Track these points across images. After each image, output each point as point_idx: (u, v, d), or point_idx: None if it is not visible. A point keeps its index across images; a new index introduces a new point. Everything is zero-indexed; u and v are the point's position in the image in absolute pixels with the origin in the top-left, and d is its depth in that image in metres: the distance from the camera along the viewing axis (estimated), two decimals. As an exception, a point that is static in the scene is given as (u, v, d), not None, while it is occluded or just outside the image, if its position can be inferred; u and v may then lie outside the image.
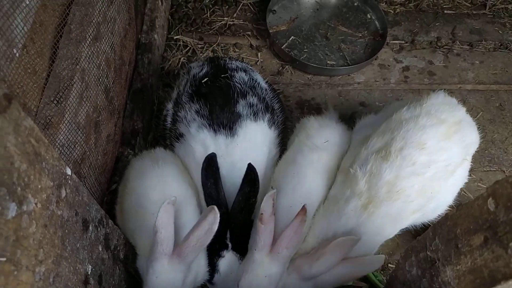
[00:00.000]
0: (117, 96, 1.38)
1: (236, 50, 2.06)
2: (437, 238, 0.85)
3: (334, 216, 1.17)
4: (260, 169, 1.29)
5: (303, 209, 1.09)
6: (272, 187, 1.24)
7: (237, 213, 1.15)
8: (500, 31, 2.17)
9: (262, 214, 1.10)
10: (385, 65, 2.04)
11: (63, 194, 0.78)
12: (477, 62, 2.07)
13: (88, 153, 1.16)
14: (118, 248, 1.14)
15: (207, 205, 1.17)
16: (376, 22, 2.15)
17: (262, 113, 1.33)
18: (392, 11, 2.23)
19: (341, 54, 2.04)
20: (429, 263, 0.89)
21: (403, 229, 1.29)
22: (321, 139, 1.31)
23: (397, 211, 1.15)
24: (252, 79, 1.39)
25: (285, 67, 2.01)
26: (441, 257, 0.83)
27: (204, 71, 1.39)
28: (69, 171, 0.81)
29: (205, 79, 1.34)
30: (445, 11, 2.25)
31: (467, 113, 1.37)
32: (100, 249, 1.00)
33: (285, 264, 1.13)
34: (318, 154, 1.28)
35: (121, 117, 1.45)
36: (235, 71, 1.38)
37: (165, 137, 1.43)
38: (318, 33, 2.11)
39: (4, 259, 0.59)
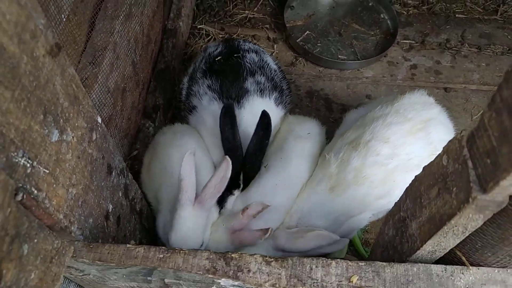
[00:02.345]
0: (143, 70, 1.56)
1: (254, 41, 2.21)
2: (407, 199, 0.98)
3: (307, 193, 1.33)
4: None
5: (266, 229, 1.23)
6: (264, 166, 1.40)
7: (251, 154, 1.31)
8: (509, 36, 2.26)
9: (247, 208, 1.24)
10: (394, 62, 2.16)
11: (94, 137, 0.95)
12: (483, 64, 2.16)
13: (114, 116, 1.33)
14: (135, 200, 1.30)
15: (224, 148, 1.33)
16: (388, 22, 2.27)
17: (269, 91, 1.47)
18: (405, 13, 2.34)
19: (352, 50, 2.17)
20: (401, 222, 1.01)
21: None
22: (303, 131, 1.47)
23: (362, 195, 1.30)
24: (262, 60, 1.54)
25: (299, 59, 2.15)
26: (409, 214, 0.96)
27: (218, 50, 1.55)
28: (99, 120, 0.97)
29: (219, 57, 1.49)
30: (457, 15, 2.34)
31: (442, 111, 1.47)
32: (120, 195, 1.17)
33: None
34: (301, 143, 1.44)
35: (145, 89, 1.62)
36: (247, 52, 1.53)
37: (180, 108, 1.59)
38: (332, 29, 2.24)
39: (47, 171, 0.75)
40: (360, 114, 1.56)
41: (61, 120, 0.79)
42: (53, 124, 0.76)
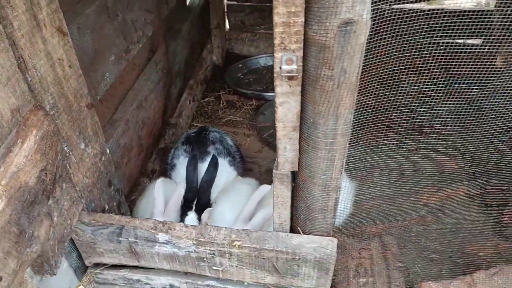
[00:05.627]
0: (145, 141, 2.38)
1: (234, 136, 3.05)
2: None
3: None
4: (218, 185, 2.15)
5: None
6: (214, 202, 2.09)
7: (204, 182, 1.98)
8: None
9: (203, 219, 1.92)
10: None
11: (103, 158, 1.71)
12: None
13: (121, 164, 2.11)
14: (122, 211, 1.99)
15: (186, 181, 2.01)
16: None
17: (224, 155, 2.24)
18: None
19: (304, 143, 2.95)
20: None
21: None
22: (245, 181, 2.19)
23: None
24: (222, 137, 2.34)
25: (264, 148, 2.94)
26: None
27: (194, 131, 2.38)
28: (108, 150, 1.75)
29: (193, 134, 2.31)
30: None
31: None
32: (114, 205, 1.87)
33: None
34: (242, 185, 2.13)
35: (146, 156, 2.42)
36: (212, 132, 2.35)
37: (166, 169, 2.37)
38: (292, 129, 3.07)
39: (76, 160, 1.50)
40: None
41: (87, 140, 1.57)
42: (82, 140, 1.54)
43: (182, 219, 1.99)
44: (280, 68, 1.09)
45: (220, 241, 1.50)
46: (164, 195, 1.90)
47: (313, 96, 1.14)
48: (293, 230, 1.57)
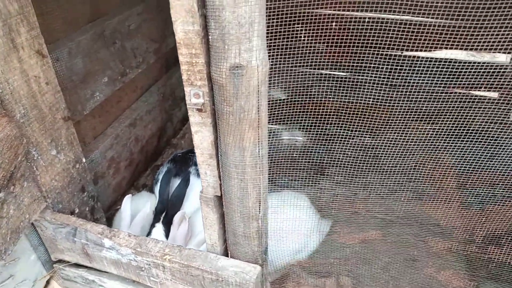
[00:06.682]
0: (136, 157, 2.60)
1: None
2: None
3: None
4: (193, 204, 2.29)
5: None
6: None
7: (174, 197, 2.12)
8: None
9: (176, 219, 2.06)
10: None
11: (77, 166, 1.92)
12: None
13: (106, 175, 2.33)
14: (98, 222, 2.18)
15: (158, 194, 2.17)
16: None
17: None
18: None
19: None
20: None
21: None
22: None
23: None
24: (204, 160, 2.49)
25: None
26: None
27: (182, 151, 2.56)
28: (84, 160, 1.96)
29: (179, 154, 2.49)
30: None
31: None
32: (87, 210, 2.06)
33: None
34: None
35: (132, 167, 2.62)
36: None
37: (153, 184, 2.56)
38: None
39: (44, 164, 1.72)
40: None
41: (59, 147, 1.79)
42: (54, 147, 1.76)
43: (150, 230, 2.15)
44: (190, 100, 1.23)
45: (154, 253, 1.62)
46: (131, 210, 2.07)
47: (221, 128, 1.26)
48: (227, 253, 1.66)
